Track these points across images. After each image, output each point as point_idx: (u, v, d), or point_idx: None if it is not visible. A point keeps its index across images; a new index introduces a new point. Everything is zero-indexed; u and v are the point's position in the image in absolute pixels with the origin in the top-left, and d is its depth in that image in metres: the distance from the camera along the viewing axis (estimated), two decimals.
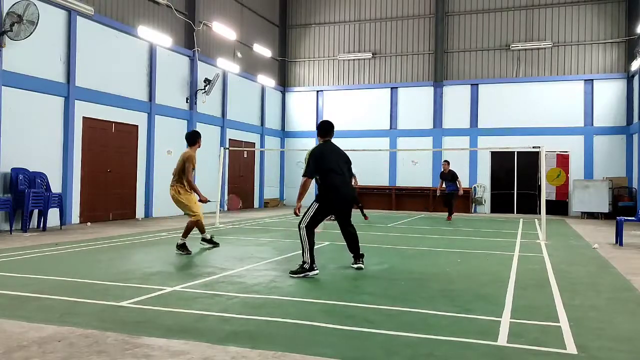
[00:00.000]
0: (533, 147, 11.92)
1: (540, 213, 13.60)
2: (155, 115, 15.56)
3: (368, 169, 20.86)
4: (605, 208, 17.66)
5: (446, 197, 16.02)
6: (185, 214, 8.64)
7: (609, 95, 19.38)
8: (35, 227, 11.61)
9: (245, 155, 20.64)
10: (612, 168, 19.10)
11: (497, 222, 15.74)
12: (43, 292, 5.32)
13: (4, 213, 11.02)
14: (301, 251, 6.56)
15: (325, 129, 7.02)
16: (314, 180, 6.90)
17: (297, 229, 6.67)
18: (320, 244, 9.29)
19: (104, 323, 4.26)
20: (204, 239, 8.83)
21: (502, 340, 3.96)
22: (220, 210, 14.71)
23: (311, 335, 4.07)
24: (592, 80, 19.53)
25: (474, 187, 20.49)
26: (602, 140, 19.32)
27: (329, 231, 10.53)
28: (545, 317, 4.67)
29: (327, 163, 6.73)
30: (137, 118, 15.02)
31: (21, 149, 11.48)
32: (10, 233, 10.64)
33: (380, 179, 21.67)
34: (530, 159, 19.84)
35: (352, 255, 7.11)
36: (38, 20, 10.92)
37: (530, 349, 3.77)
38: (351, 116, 22.31)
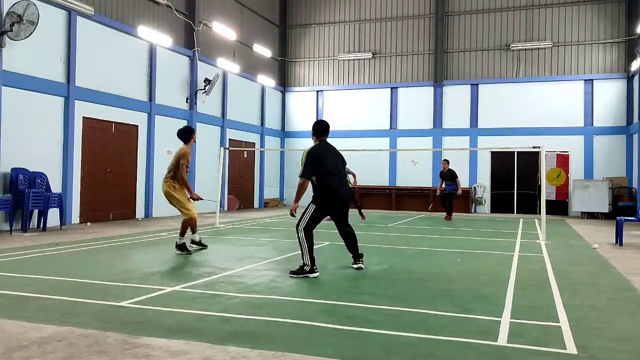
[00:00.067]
0: (533, 147, 11.92)
1: (540, 213, 13.60)
2: (155, 115, 15.56)
3: (368, 169, 20.87)
4: (605, 208, 17.66)
5: (445, 196, 16.03)
6: (179, 211, 8.44)
7: (609, 95, 19.38)
8: (35, 227, 11.61)
9: (245, 155, 20.65)
10: (612, 168, 19.10)
11: (497, 222, 15.74)
12: (43, 292, 5.32)
13: (4, 213, 11.02)
14: (300, 253, 6.55)
15: (321, 128, 6.97)
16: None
17: (295, 231, 6.66)
18: (320, 244, 9.30)
19: (104, 323, 4.26)
20: (193, 241, 8.47)
21: (502, 340, 3.96)
22: (220, 210, 14.70)
23: (311, 335, 4.07)
24: (592, 80, 19.53)
25: (474, 187, 20.49)
26: (602, 140, 19.32)
27: (329, 231, 10.52)
28: (545, 317, 4.67)
29: (325, 164, 6.69)
30: (137, 118, 15.02)
31: (21, 149, 11.48)
32: (10, 233, 10.64)
33: (380, 179, 21.67)
34: (530, 159, 19.84)
35: (352, 255, 7.11)
36: (38, 20, 10.92)
37: (530, 349, 3.77)
38: (351, 116, 22.31)
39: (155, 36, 15.36)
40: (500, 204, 20.40)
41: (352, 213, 15.60)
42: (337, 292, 5.68)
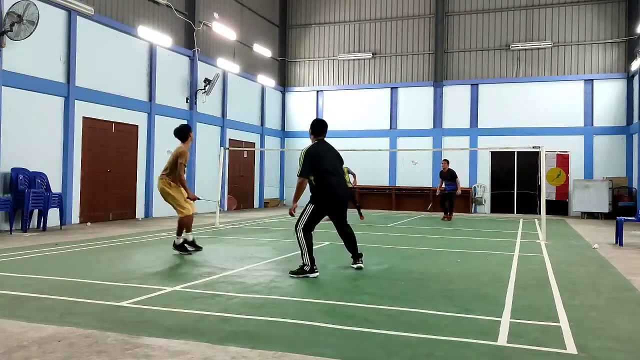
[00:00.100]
0: (533, 147, 11.92)
1: (540, 213, 13.60)
2: (155, 115, 15.56)
3: (368, 169, 20.87)
4: (605, 208, 17.66)
5: (444, 196, 16.01)
6: (174, 209, 8.32)
7: (609, 95, 19.38)
8: (35, 227, 11.61)
9: (245, 155, 20.65)
10: (612, 168, 19.10)
11: (497, 222, 15.74)
12: (43, 292, 5.32)
13: (4, 213, 11.02)
14: (300, 254, 6.55)
15: (319, 127, 6.93)
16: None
17: (294, 231, 6.65)
18: (320, 244, 9.30)
19: (104, 323, 4.26)
20: (185, 241, 8.25)
21: (502, 340, 3.96)
22: (220, 210, 14.70)
23: (311, 335, 4.07)
24: (592, 80, 19.53)
25: (474, 187, 20.49)
26: (602, 140, 19.32)
27: (328, 231, 10.52)
28: (545, 317, 4.67)
29: (323, 164, 6.66)
30: (137, 118, 15.02)
31: (21, 149, 11.48)
32: (10, 233, 10.64)
33: (380, 179, 21.67)
34: (530, 159, 19.84)
35: (351, 255, 7.11)
36: (38, 20, 10.92)
37: (530, 349, 3.77)
38: (351, 116, 22.32)
39: (155, 36, 15.36)
40: (500, 204, 20.40)
41: (352, 213, 15.63)
42: (337, 292, 5.68)
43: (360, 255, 7.11)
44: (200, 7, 17.63)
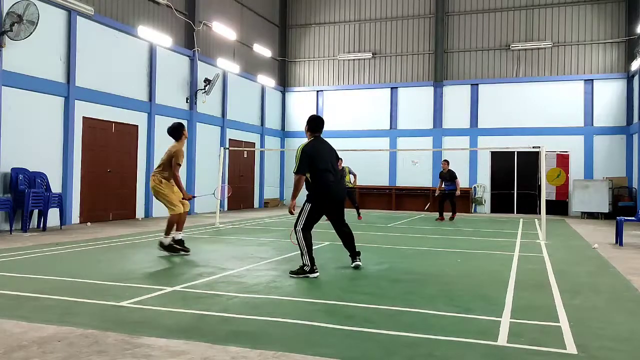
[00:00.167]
0: (533, 147, 11.91)
1: (540, 213, 13.60)
2: (155, 115, 15.56)
3: (368, 169, 20.87)
4: (605, 208, 17.66)
5: (444, 197, 15.95)
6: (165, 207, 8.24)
7: (609, 95, 19.38)
8: (35, 227, 11.61)
9: (245, 155, 20.65)
10: (612, 168, 19.10)
11: (497, 222, 15.73)
12: (43, 292, 5.32)
13: (4, 213, 11.02)
14: (300, 254, 6.54)
15: (316, 124, 6.87)
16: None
17: (294, 232, 6.63)
18: (320, 244, 9.30)
19: (104, 323, 4.26)
20: (174, 239, 8.04)
21: (502, 340, 3.96)
22: (220, 210, 14.70)
23: (311, 335, 4.07)
24: (592, 80, 19.54)
25: (474, 187, 20.49)
26: (602, 140, 19.32)
27: (328, 231, 10.52)
28: (545, 317, 4.67)
29: (320, 162, 6.60)
30: (137, 118, 15.02)
31: (21, 149, 11.48)
32: (10, 233, 10.64)
33: (380, 179, 21.67)
34: (530, 159, 19.85)
35: (349, 253, 7.10)
36: (38, 20, 10.92)
37: (530, 349, 3.77)
38: (351, 116, 22.31)
39: (155, 36, 15.36)
40: (500, 204, 20.40)
41: (351, 213, 15.62)
42: (337, 292, 5.68)
43: (358, 253, 7.11)
44: (200, 7, 17.63)
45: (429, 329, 4.20)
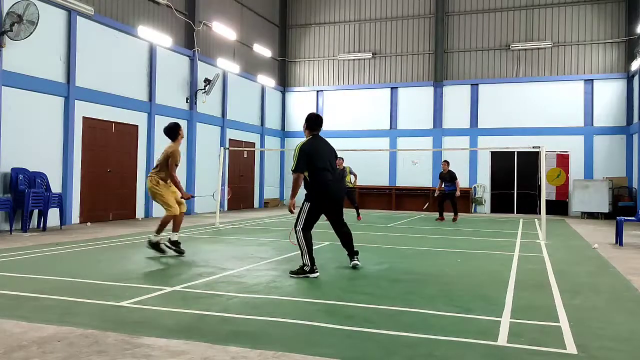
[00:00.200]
0: (533, 147, 11.91)
1: (540, 213, 13.61)
2: (155, 115, 15.55)
3: (368, 169, 20.87)
4: (605, 208, 17.66)
5: (443, 197, 15.89)
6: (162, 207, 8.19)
7: (609, 95, 19.39)
8: (35, 227, 11.61)
9: (245, 155, 20.65)
10: (612, 168, 19.10)
11: (497, 222, 15.73)
12: (43, 292, 5.32)
13: (4, 213, 11.02)
14: (300, 254, 6.54)
15: (315, 121, 6.83)
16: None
17: (294, 231, 6.62)
18: (320, 244, 9.30)
19: (104, 323, 4.26)
20: (170, 240, 8.01)
21: (502, 340, 3.96)
22: (220, 210, 14.70)
23: (311, 335, 4.07)
24: (592, 80, 19.54)
25: (474, 187, 20.49)
26: (602, 140, 19.32)
27: (328, 231, 10.53)
28: (545, 317, 4.67)
29: (318, 161, 6.57)
30: (137, 118, 15.02)
31: (21, 149, 11.48)
32: (10, 233, 10.64)
33: (380, 179, 21.67)
34: (530, 159, 19.85)
35: (347, 253, 7.10)
36: (38, 20, 10.92)
37: (530, 349, 3.77)
38: (351, 116, 22.31)
39: (155, 36, 15.36)
40: (500, 204, 20.40)
41: (351, 213, 15.61)
42: (337, 292, 5.68)
43: (357, 253, 7.11)
44: (200, 7, 17.63)
45: (429, 329, 4.20)
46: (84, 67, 13.07)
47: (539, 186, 18.79)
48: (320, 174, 6.60)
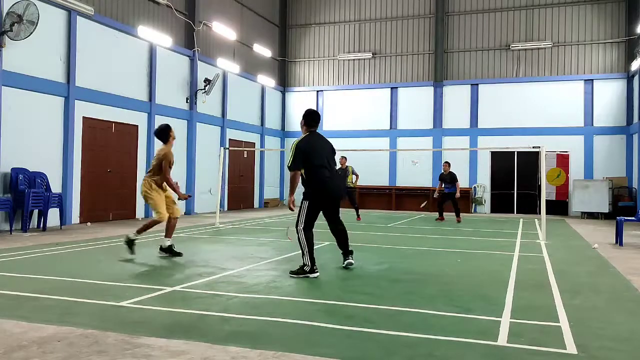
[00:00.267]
0: (533, 147, 11.91)
1: (540, 213, 13.60)
2: (155, 115, 15.55)
3: (368, 169, 20.86)
4: (605, 208, 17.66)
5: (443, 197, 15.85)
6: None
7: (609, 95, 19.39)
8: (35, 227, 11.61)
9: (245, 155, 20.64)
10: (612, 168, 19.10)
11: (497, 222, 15.73)
12: (43, 292, 5.32)
13: (4, 213, 11.02)
14: (301, 253, 6.53)
15: (312, 118, 6.78)
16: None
17: (295, 231, 6.61)
18: (320, 244, 9.29)
19: (104, 323, 4.26)
20: (161, 247, 7.95)
21: (502, 340, 3.96)
22: (220, 210, 14.70)
23: (311, 335, 4.07)
24: (592, 80, 19.54)
25: (474, 187, 20.49)
26: (602, 140, 19.32)
27: (327, 231, 10.52)
28: (545, 317, 4.67)
29: (314, 159, 6.54)
30: (137, 118, 15.02)
31: (21, 149, 11.48)
32: (10, 233, 10.64)
33: (380, 179, 21.67)
34: (530, 159, 19.85)
35: (342, 252, 7.08)
36: (38, 20, 10.91)
37: (530, 349, 3.77)
38: (351, 116, 22.32)
39: (155, 36, 15.36)
40: (500, 204, 20.40)
41: (351, 213, 15.61)
42: (337, 292, 5.68)
43: (351, 252, 7.09)
44: (200, 7, 17.63)
45: (429, 329, 4.20)
46: (84, 67, 13.07)
47: (539, 186, 18.79)
48: (318, 172, 6.57)
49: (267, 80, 21.95)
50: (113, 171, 14.10)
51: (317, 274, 6.43)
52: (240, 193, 20.20)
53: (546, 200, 12.39)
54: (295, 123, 23.29)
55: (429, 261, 7.96)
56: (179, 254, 7.91)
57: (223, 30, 18.66)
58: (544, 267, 7.44)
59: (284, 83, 23.67)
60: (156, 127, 8.49)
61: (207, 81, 17.54)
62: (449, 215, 15.93)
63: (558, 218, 17.72)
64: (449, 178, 15.68)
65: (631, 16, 18.80)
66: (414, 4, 21.86)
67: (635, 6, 18.35)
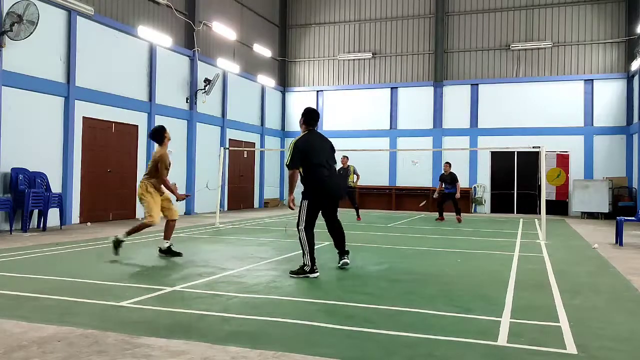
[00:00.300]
0: (533, 147, 11.91)
1: (540, 213, 13.60)
2: (155, 115, 15.55)
3: (368, 169, 20.82)
4: (605, 208, 17.66)
5: (443, 198, 15.83)
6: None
7: (609, 95, 19.39)
8: (35, 227, 11.61)
9: (245, 155, 20.65)
10: (612, 168, 19.10)
11: (497, 222, 15.73)
12: (43, 292, 5.32)
13: (4, 213, 11.02)
14: (301, 253, 6.53)
15: (311, 116, 6.78)
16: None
17: (297, 230, 6.62)
18: (320, 244, 9.28)
19: (104, 323, 4.26)
20: (160, 249, 7.96)
21: (502, 340, 3.96)
22: (220, 210, 14.70)
23: (311, 335, 4.07)
24: (592, 80, 19.54)
25: (474, 187, 20.49)
26: (602, 140, 19.32)
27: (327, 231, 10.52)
28: (545, 317, 4.67)
29: (313, 157, 6.52)
30: (137, 118, 15.02)
31: (21, 149, 11.48)
32: (10, 233, 10.64)
33: (380, 179, 21.67)
34: (530, 159, 19.85)
35: (337, 251, 7.07)
36: (38, 20, 10.92)
37: (530, 349, 3.77)
38: (351, 116, 22.32)
39: (155, 36, 15.36)
40: (500, 204, 20.40)
41: (351, 213, 15.61)
42: (337, 292, 5.68)
43: (347, 252, 7.09)
44: (200, 7, 17.63)
45: (429, 329, 4.20)
46: (84, 67, 13.07)
47: (539, 186, 18.79)
48: (316, 171, 6.56)
49: (267, 80, 21.95)
50: (113, 171, 14.10)
51: (317, 274, 6.43)
52: (240, 193, 20.20)
53: (546, 200, 12.38)
54: (295, 123, 23.27)
55: (429, 261, 7.96)
56: (179, 254, 7.91)
57: (223, 30, 18.66)
58: (544, 267, 7.44)
59: (284, 83, 23.67)
60: (153, 125, 8.45)
61: (207, 81, 17.54)
62: (449, 215, 15.93)
63: (558, 218, 17.72)
64: (449, 178, 15.64)
65: (631, 16, 18.80)
66: (414, 4, 21.86)
67: (635, 6, 18.35)
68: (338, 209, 7.05)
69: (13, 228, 10.82)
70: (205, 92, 17.56)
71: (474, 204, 20.44)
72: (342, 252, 7.06)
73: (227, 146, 18.72)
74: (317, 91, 23.08)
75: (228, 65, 19.08)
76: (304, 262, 6.44)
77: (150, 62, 15.52)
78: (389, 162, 21.75)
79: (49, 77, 12.17)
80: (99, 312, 4.63)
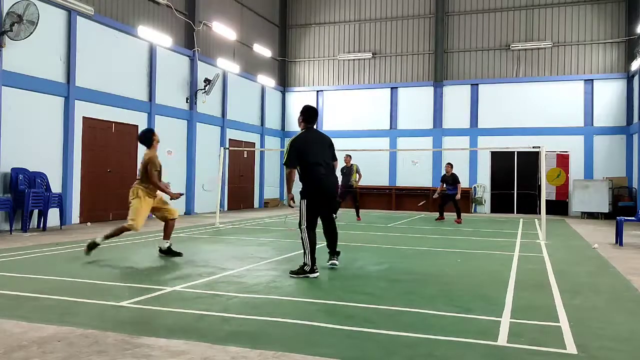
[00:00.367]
0: (533, 147, 11.91)
1: (540, 213, 13.60)
2: (155, 115, 15.55)
3: (368, 169, 20.78)
4: (605, 208, 17.66)
5: (444, 198, 15.81)
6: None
7: (609, 95, 19.39)
8: (35, 227, 11.61)
9: (245, 155, 20.65)
10: (612, 168, 19.10)
11: (497, 222, 15.73)
12: (43, 292, 5.32)
13: (4, 213, 11.02)
14: (302, 252, 6.54)
15: (310, 114, 6.79)
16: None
17: (299, 230, 6.63)
18: (320, 244, 9.28)
19: (104, 323, 4.26)
20: (161, 250, 7.92)
21: (502, 340, 3.96)
22: (220, 210, 14.70)
23: (311, 335, 4.07)
24: (592, 80, 19.54)
25: (474, 187, 20.49)
26: (602, 140, 19.32)
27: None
28: (545, 317, 4.67)
29: (310, 156, 6.52)
30: (137, 118, 15.02)
31: (21, 149, 11.48)
32: (10, 233, 10.64)
33: (380, 179, 21.66)
34: (530, 159, 19.85)
35: (329, 251, 7.07)
36: (38, 20, 10.92)
37: (530, 349, 3.77)
38: (351, 116, 22.32)
39: (155, 36, 15.36)
40: (500, 204, 20.40)
41: (351, 213, 15.61)
42: (337, 292, 5.68)
43: (338, 253, 7.09)
44: (200, 7, 17.63)
45: (429, 329, 4.20)
46: (84, 67, 13.07)
47: (539, 186, 18.79)
48: (313, 169, 6.56)
49: (267, 80, 21.95)
50: (113, 171, 14.09)
51: (317, 274, 6.43)
52: (240, 193, 20.20)
53: (546, 200, 12.38)
54: (295, 123, 23.27)
55: (429, 261, 7.96)
56: (179, 254, 7.90)
57: (223, 30, 18.66)
58: (544, 267, 7.44)
59: (284, 83, 23.67)
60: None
61: (207, 81, 17.54)
62: (450, 215, 15.92)
63: (558, 218, 17.72)
64: (451, 180, 15.58)
65: (631, 16, 18.80)
66: (414, 4, 21.86)
67: (635, 6, 18.35)
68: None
69: (13, 228, 10.82)
70: (205, 92, 17.56)
71: (474, 204, 20.44)
72: (333, 253, 7.06)
73: (227, 146, 18.72)
74: (317, 91, 23.08)
75: (228, 65, 19.08)
76: (304, 262, 6.45)
77: (150, 62, 15.52)
78: (389, 162, 21.75)
79: (49, 77, 12.17)
80: (99, 312, 4.63)
